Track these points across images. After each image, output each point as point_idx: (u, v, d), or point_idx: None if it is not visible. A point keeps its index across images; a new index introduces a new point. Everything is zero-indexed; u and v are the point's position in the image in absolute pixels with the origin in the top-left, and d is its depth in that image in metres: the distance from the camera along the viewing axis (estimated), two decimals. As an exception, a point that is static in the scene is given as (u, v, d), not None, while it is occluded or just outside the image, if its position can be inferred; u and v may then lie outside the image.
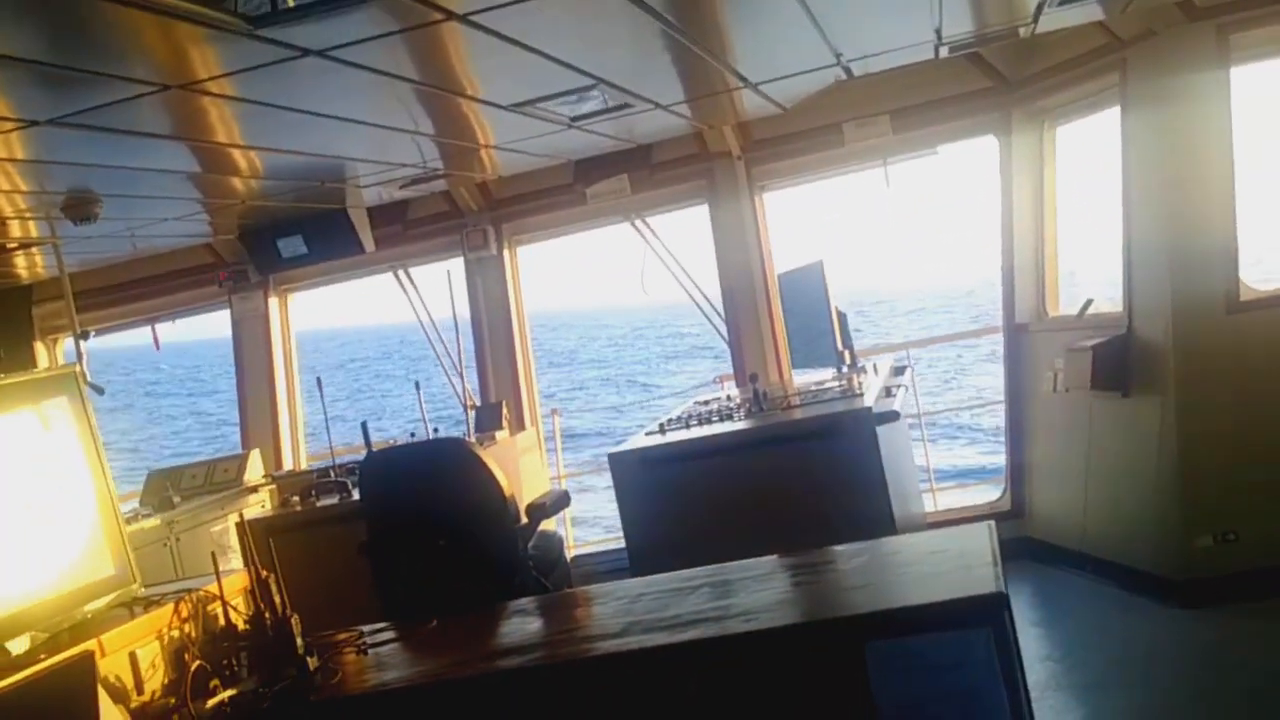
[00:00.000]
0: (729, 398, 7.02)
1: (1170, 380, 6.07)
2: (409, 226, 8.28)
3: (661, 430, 6.08)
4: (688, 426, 6.10)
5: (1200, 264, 6.04)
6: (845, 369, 6.74)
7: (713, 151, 7.74)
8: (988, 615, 2.64)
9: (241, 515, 4.85)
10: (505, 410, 7.62)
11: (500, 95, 4.90)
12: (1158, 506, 6.14)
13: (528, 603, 3.67)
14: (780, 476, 5.59)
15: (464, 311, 8.23)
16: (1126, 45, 6.42)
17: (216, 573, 3.14)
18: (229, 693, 2.87)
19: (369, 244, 7.59)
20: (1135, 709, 4.99)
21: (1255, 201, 6.32)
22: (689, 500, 5.63)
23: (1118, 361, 6.39)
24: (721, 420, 6.12)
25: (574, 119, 5.57)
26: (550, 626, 3.30)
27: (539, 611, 3.50)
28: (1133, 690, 5.17)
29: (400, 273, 8.61)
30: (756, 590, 3.14)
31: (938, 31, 5.39)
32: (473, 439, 6.85)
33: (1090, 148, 7.08)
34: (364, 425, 6.41)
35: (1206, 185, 6.04)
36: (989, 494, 7.73)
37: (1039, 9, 5.29)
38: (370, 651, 3.22)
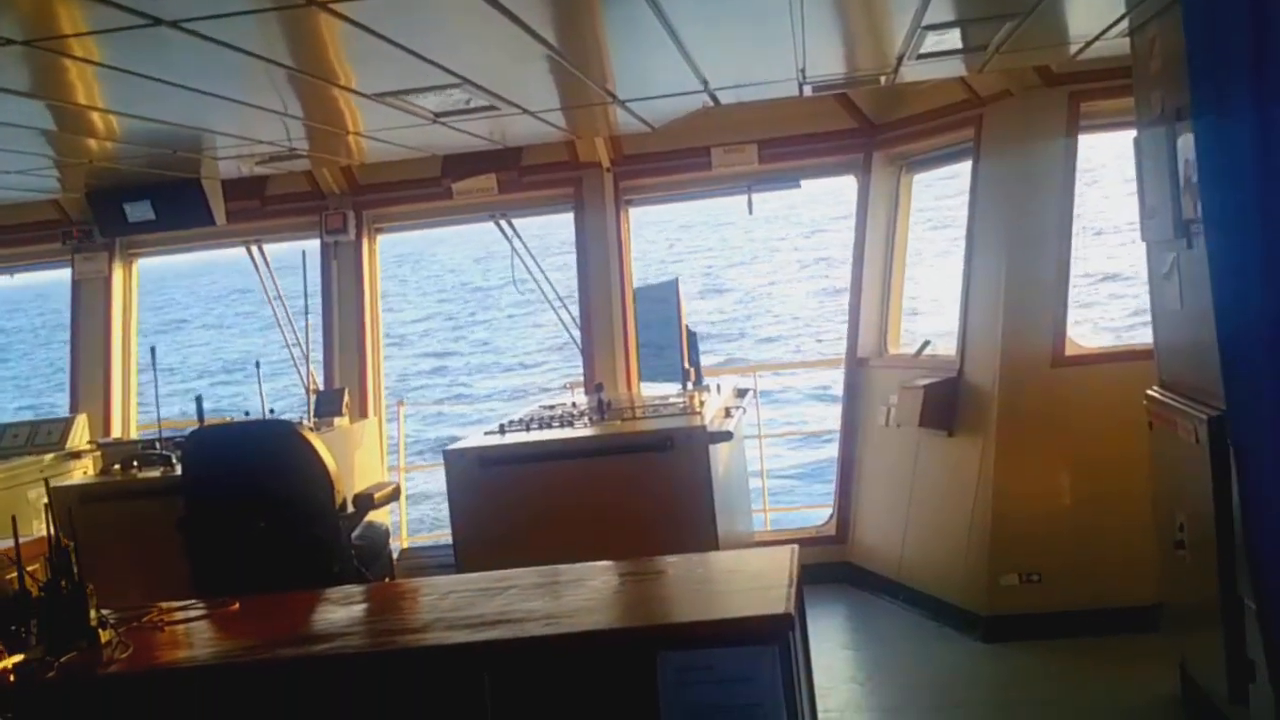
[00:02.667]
0: (574, 404, 7.09)
1: (992, 425, 6.36)
2: (267, 203, 8.16)
3: (501, 431, 6.11)
4: (528, 429, 6.15)
5: (1031, 317, 6.34)
6: (690, 386, 6.87)
7: (583, 161, 7.81)
8: (775, 634, 2.75)
9: (47, 481, 4.74)
10: (347, 398, 7.57)
11: (364, 84, 4.89)
12: (970, 543, 6.41)
13: (337, 591, 3.67)
14: (614, 485, 5.67)
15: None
16: (984, 103, 6.71)
17: (15, 536, 3.09)
18: (13, 659, 2.82)
19: (220, 216, 7.44)
20: (928, 735, 5.21)
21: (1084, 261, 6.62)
22: (522, 502, 5.68)
23: (947, 402, 6.66)
24: (563, 425, 6.19)
25: (439, 115, 5.58)
26: (353, 617, 3.31)
27: (346, 601, 3.51)
28: (929, 716, 5.40)
29: (254, 248, 8.48)
30: (565, 595, 3.21)
31: (801, 71, 5.56)
32: (310, 424, 6.79)
33: (945, 197, 7.35)
34: (198, 399, 6.31)
35: (1044, 244, 6.35)
36: (818, 518, 7.95)
37: (900, 60, 5.49)
38: (168, 629, 3.19)
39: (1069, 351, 6.31)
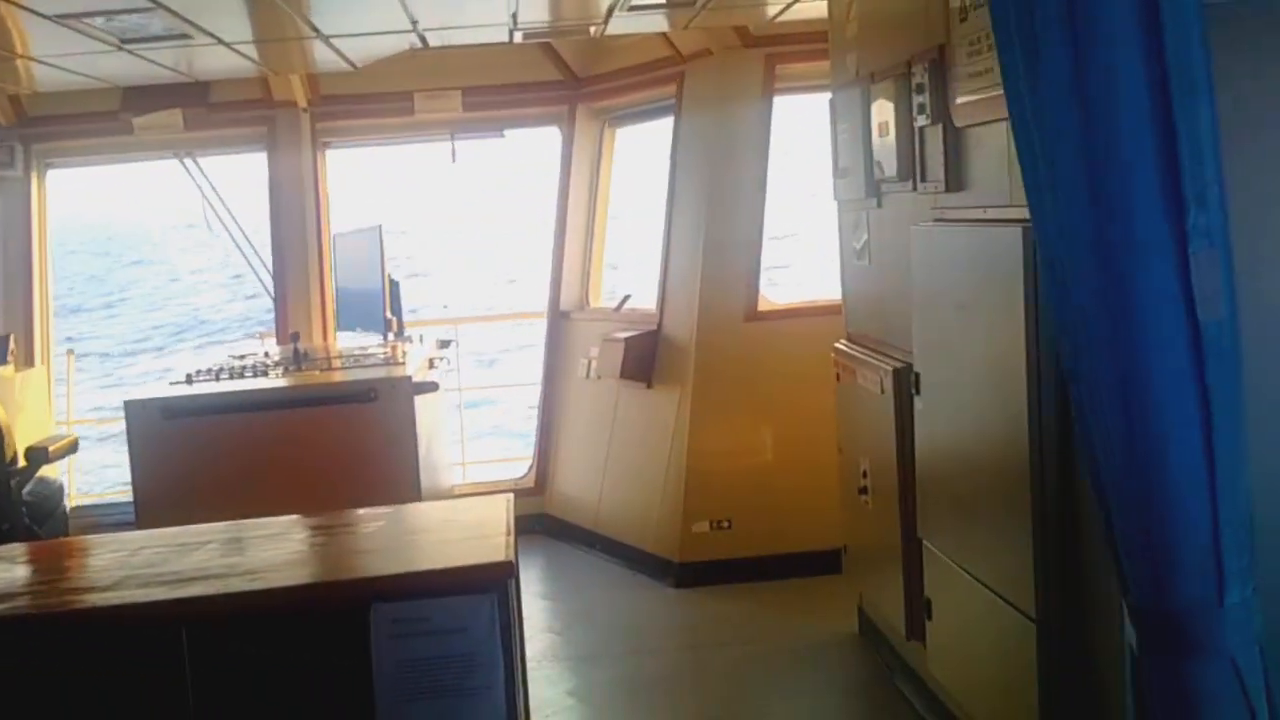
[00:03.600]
0: (267, 354, 6.79)
1: (690, 378, 6.55)
2: (-82, 131, 7.35)
3: (189, 380, 5.78)
4: (217, 379, 5.85)
5: (727, 274, 6.55)
6: (391, 337, 6.72)
7: (277, 100, 7.45)
8: (494, 583, 2.73)
9: None
10: (13, 344, 6.95)
11: (42, 2, 4.45)
12: (665, 492, 6.60)
13: (12, 548, 3.37)
14: (313, 439, 5.49)
15: None
16: (686, 60, 6.84)
17: None
18: None
19: None
20: (622, 680, 5.34)
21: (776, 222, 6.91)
22: (211, 457, 5.40)
23: (647, 355, 6.81)
24: (255, 376, 5.92)
25: (126, 40, 5.17)
26: (33, 576, 3.05)
27: (24, 559, 3.23)
28: (622, 662, 5.53)
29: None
30: (267, 549, 3.07)
31: (514, 16, 5.49)
32: (-30, 371, 6.20)
33: (649, 151, 7.47)
34: None
35: (740, 203, 6.56)
36: (517, 470, 7.97)
37: (610, 11, 5.51)
38: None
39: (761, 307, 6.57)
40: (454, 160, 7.82)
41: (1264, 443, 2.54)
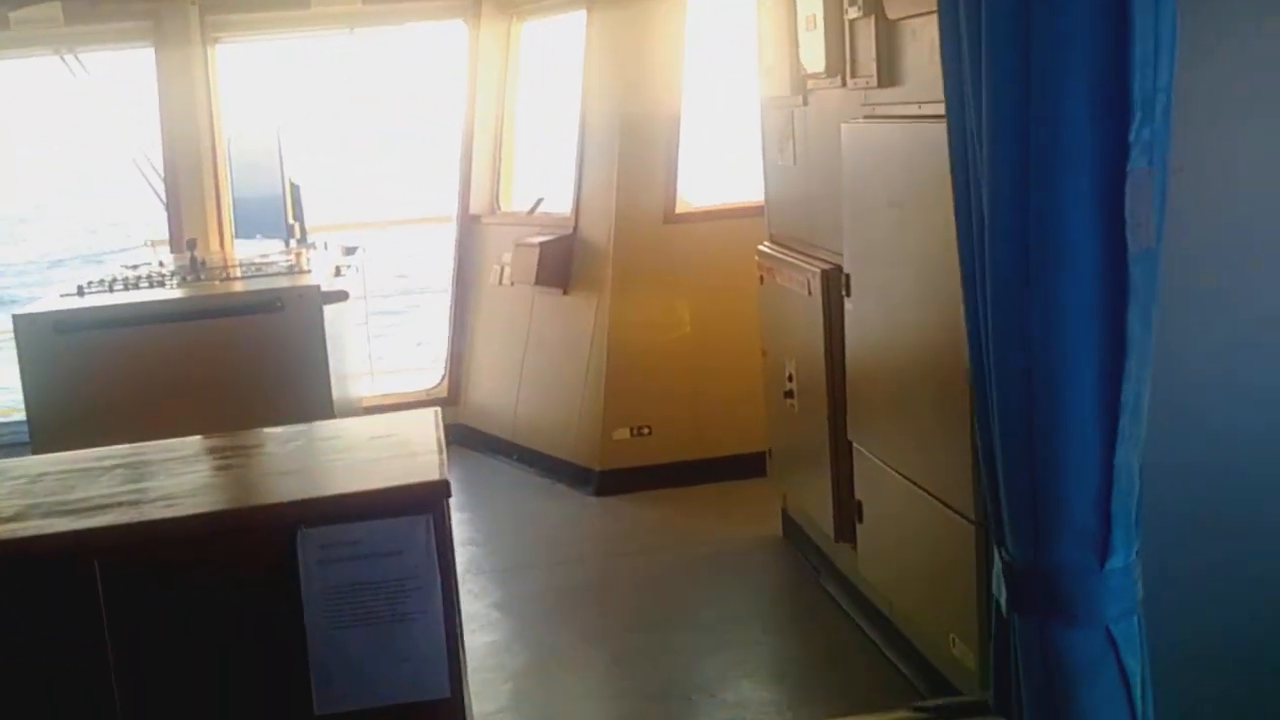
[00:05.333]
0: (161, 264, 6.47)
1: (608, 282, 6.40)
2: None
3: (80, 293, 5.48)
4: (111, 290, 5.55)
5: (644, 175, 6.38)
6: (294, 244, 6.44)
7: (163, -9, 7.02)
8: (430, 503, 2.59)
9: None
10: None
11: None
12: (584, 400, 6.48)
13: (-103, 479, 3.12)
14: (215, 351, 5.25)
15: None
16: (597, -47, 6.57)
17: None
18: None
19: None
20: (545, 590, 5.27)
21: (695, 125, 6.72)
22: (109, 373, 5.14)
23: (562, 260, 6.64)
24: (152, 287, 5.63)
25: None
26: (-77, 508, 2.83)
27: (-90, 490, 2.99)
28: (546, 572, 5.46)
29: None
30: (180, 473, 2.88)
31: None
32: None
33: (559, 48, 7.20)
34: None
35: (656, 102, 6.37)
36: (428, 380, 7.79)
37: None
38: None
39: (680, 210, 6.42)
40: (356, 56, 7.47)
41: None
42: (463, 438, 7.32)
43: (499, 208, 7.45)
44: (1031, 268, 2.13)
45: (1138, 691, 2.28)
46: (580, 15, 6.71)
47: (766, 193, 5.29)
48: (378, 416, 3.72)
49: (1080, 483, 2.16)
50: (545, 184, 7.33)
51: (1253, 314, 2.75)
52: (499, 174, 7.46)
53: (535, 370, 6.92)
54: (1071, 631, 2.27)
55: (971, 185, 2.27)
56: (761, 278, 5.15)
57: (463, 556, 5.56)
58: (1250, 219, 2.74)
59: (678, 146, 6.41)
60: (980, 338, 2.30)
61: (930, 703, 3.44)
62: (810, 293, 4.49)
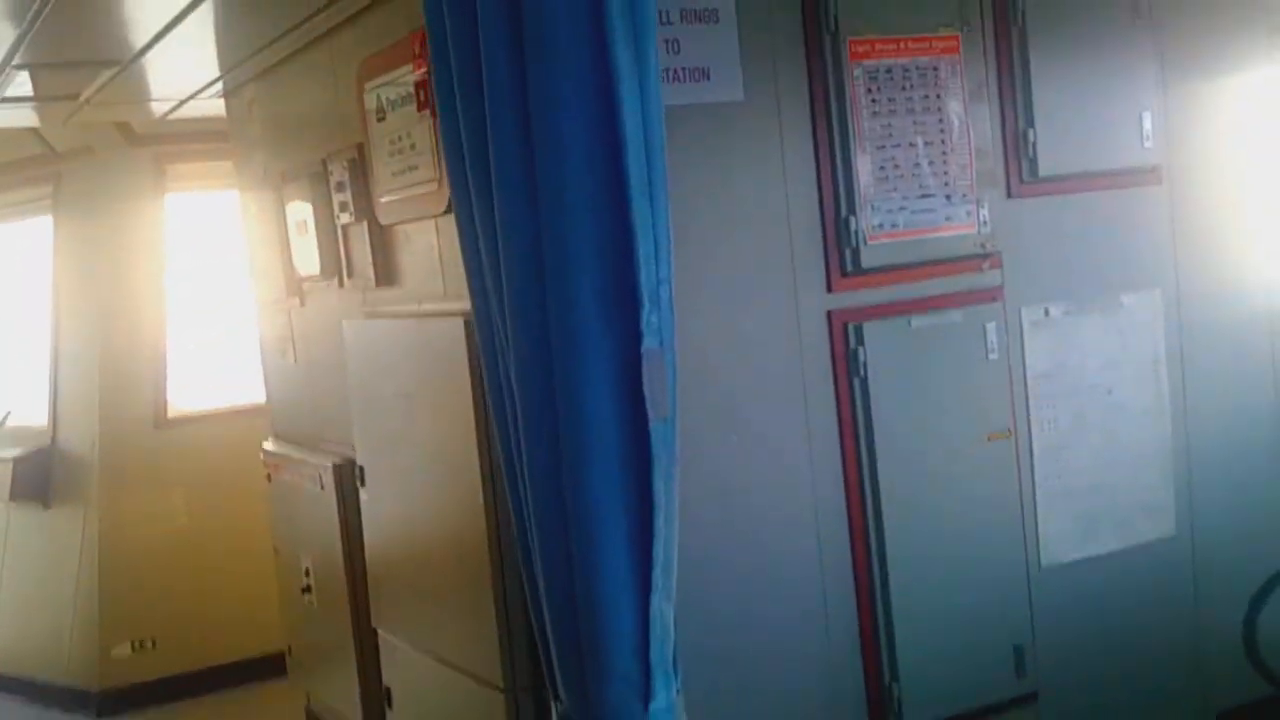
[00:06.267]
0: None
1: (94, 492, 6.11)
2: None
3: None
4: None
5: (130, 381, 6.21)
6: None
7: None
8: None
9: None
10: None
11: None
12: (76, 617, 6.10)
13: None
14: None
15: None
16: (62, 159, 6.41)
17: None
18: None
19: None
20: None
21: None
22: None
23: (40, 473, 6.27)
24: None
25: None
26: None
27: None
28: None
29: None
30: None
31: None
32: None
33: (26, 252, 6.85)
34: None
35: (139, 307, 6.26)
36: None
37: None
38: None
39: (172, 414, 6.28)
40: None
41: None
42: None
43: (-40, 424, 6.88)
44: (563, 445, 2.34)
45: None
46: (48, 220, 6.46)
47: (269, 392, 5.33)
48: None
49: (620, 633, 2.36)
50: (11, 395, 6.86)
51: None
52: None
53: (15, 591, 6.40)
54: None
55: (501, 371, 2.49)
56: (269, 475, 5.14)
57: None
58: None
59: (165, 351, 6.30)
60: (524, 520, 2.50)
61: None
62: (323, 487, 4.55)
